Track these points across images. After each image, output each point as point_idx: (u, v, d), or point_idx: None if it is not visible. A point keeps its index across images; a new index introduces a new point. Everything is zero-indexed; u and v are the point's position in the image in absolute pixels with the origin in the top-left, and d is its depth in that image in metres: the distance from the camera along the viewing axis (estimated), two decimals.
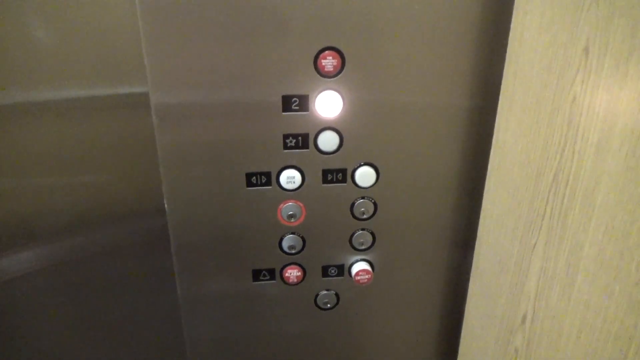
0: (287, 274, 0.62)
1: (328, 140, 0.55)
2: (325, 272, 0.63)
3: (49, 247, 0.61)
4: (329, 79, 0.52)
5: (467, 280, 0.63)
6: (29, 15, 0.50)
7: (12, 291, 0.62)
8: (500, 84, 0.53)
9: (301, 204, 0.58)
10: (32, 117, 0.54)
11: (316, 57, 0.51)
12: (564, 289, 0.43)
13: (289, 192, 0.57)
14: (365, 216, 0.60)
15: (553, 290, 0.45)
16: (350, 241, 0.62)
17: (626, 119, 0.35)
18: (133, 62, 0.53)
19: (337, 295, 0.65)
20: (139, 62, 0.50)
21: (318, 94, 0.53)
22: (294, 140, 0.55)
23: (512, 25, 0.49)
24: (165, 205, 0.57)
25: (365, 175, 0.57)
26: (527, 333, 0.49)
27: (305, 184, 0.57)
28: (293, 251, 0.61)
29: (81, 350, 0.68)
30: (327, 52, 0.51)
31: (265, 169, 0.56)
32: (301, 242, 0.61)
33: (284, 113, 0.53)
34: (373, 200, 0.59)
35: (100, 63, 0.53)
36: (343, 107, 0.54)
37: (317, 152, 0.56)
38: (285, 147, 0.55)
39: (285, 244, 0.60)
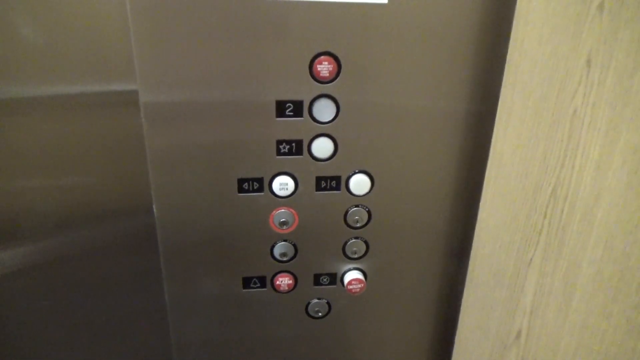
0: (278, 282, 0.61)
1: (322, 147, 0.54)
2: (317, 280, 0.62)
3: (34, 247, 0.60)
4: (324, 85, 0.51)
5: (461, 292, 0.62)
6: (15, 10, 0.49)
7: None
8: (498, 93, 0.52)
9: (294, 211, 0.57)
10: (17, 115, 0.53)
11: (311, 62, 0.50)
12: (560, 306, 0.42)
13: (282, 199, 0.56)
14: (358, 225, 0.59)
15: (549, 307, 0.44)
16: (343, 250, 0.60)
17: (629, 135, 0.34)
18: (122, 58, 0.52)
19: (328, 304, 0.64)
20: (129, 58, 0.48)
21: (313, 99, 0.52)
22: (288, 146, 0.54)
23: (512, 34, 0.48)
24: (154, 209, 0.55)
25: (359, 183, 0.56)
26: (522, 349, 0.48)
27: (298, 191, 0.56)
28: (284, 259, 0.60)
29: (66, 352, 0.67)
30: (322, 57, 0.50)
31: (257, 175, 0.55)
32: (293, 250, 0.59)
33: (277, 118, 0.52)
34: (367, 209, 0.58)
35: (88, 59, 0.52)
36: (338, 114, 0.53)
37: (311, 159, 0.55)
38: (279, 153, 0.54)
39: (277, 251, 0.59)
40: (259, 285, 0.61)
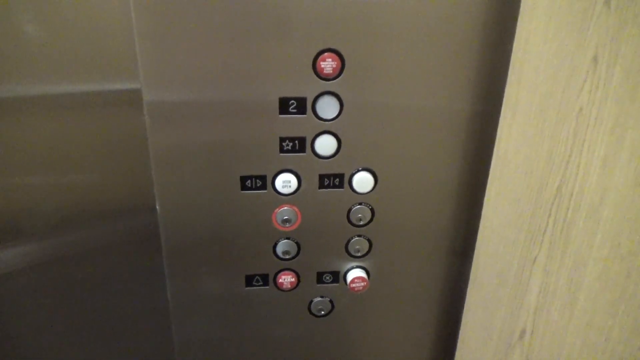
0: (280, 280, 0.61)
1: (325, 145, 0.54)
2: (319, 278, 0.62)
3: (35, 246, 0.60)
4: (327, 82, 0.51)
5: (465, 290, 0.62)
6: (18, 8, 0.49)
7: None
8: (503, 90, 0.51)
9: (297, 209, 0.57)
10: (20, 114, 0.53)
11: (315, 59, 0.50)
12: (565, 305, 0.42)
13: (285, 197, 0.56)
14: (361, 222, 0.59)
15: (554, 306, 0.43)
16: (346, 247, 0.60)
17: (636, 132, 0.34)
18: (126, 57, 0.52)
19: (331, 302, 0.63)
20: (132, 57, 0.48)
21: (316, 96, 0.51)
22: (291, 144, 0.53)
23: (517, 32, 0.48)
24: (157, 207, 0.55)
25: (362, 181, 0.56)
26: (526, 349, 0.48)
27: (301, 188, 0.56)
28: (287, 257, 0.59)
29: (67, 351, 0.66)
30: (326, 53, 0.49)
31: (260, 173, 0.55)
32: (296, 248, 0.59)
33: (280, 115, 0.52)
34: (370, 207, 0.58)
35: (91, 58, 0.52)
36: (342, 111, 0.52)
37: (314, 157, 0.54)
38: (282, 150, 0.54)
39: (280, 249, 0.59)
40: (261, 283, 0.61)
